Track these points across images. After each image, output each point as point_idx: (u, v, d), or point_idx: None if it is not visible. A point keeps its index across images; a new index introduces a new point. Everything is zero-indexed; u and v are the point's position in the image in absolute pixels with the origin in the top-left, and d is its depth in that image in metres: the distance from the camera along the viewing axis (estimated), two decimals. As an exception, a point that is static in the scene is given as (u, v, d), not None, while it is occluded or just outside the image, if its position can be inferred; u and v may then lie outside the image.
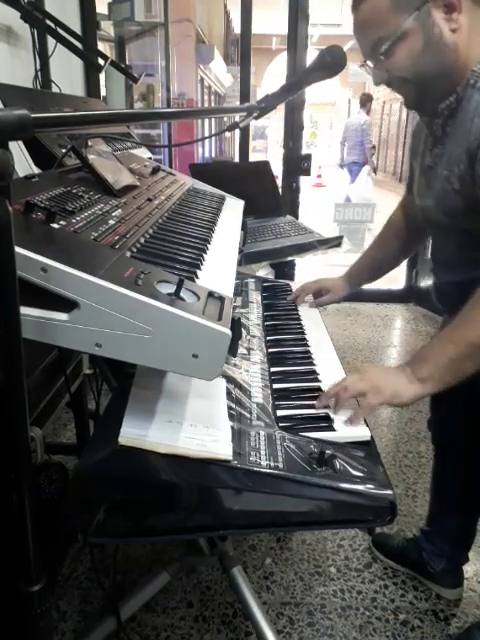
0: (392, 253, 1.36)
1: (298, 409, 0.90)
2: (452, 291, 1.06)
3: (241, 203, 1.40)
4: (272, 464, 0.73)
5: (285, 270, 2.29)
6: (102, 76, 2.99)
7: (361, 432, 0.84)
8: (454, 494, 1.37)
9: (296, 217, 2.86)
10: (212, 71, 10.55)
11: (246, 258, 1.56)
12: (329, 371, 1.03)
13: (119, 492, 0.71)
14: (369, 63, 0.96)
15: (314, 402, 0.92)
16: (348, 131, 7.30)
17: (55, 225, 0.67)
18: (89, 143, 1.01)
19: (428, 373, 0.86)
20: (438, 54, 0.89)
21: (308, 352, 1.11)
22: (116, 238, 0.71)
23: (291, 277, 2.93)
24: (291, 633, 1.30)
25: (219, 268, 0.81)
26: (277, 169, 2.72)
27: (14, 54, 1.74)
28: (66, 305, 0.58)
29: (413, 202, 1.20)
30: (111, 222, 0.78)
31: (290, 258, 1.96)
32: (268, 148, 14.49)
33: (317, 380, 1.00)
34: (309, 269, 3.71)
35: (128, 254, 0.69)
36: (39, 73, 1.76)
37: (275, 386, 0.96)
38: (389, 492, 0.74)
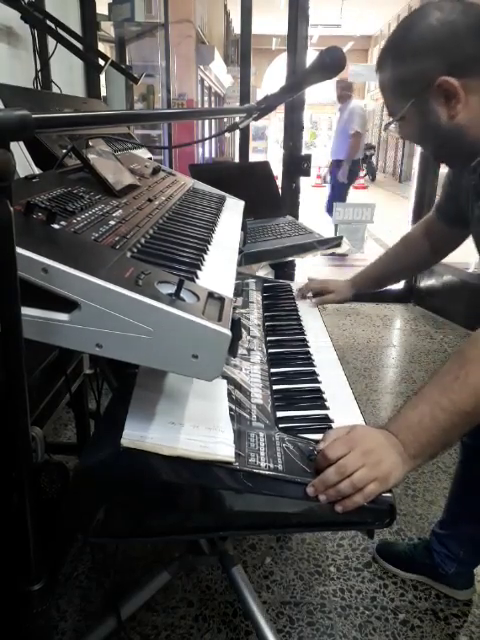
0: (407, 267, 1.42)
1: (298, 410, 0.90)
2: None
3: (241, 203, 1.40)
4: (271, 466, 0.73)
5: (285, 270, 2.29)
6: (102, 77, 3.00)
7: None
8: (478, 503, 1.32)
9: (296, 217, 2.86)
10: (212, 72, 10.56)
11: (246, 258, 1.56)
12: (329, 372, 1.04)
13: (120, 492, 0.71)
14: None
15: (315, 405, 0.92)
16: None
17: (56, 226, 0.67)
18: (90, 143, 1.01)
19: (422, 449, 0.76)
20: (439, 135, 0.93)
21: (308, 353, 1.11)
22: (117, 238, 0.71)
23: (291, 277, 2.95)
24: (291, 632, 1.30)
25: (219, 268, 0.81)
26: (277, 169, 2.73)
27: (14, 54, 1.74)
28: (67, 305, 0.58)
29: (439, 225, 1.25)
30: (112, 222, 0.78)
31: (290, 258, 1.97)
32: (268, 148, 14.49)
33: (317, 381, 1.00)
34: (309, 269, 3.72)
35: (128, 254, 0.69)
36: (39, 73, 1.76)
37: (275, 387, 0.96)
38: (388, 494, 0.74)
